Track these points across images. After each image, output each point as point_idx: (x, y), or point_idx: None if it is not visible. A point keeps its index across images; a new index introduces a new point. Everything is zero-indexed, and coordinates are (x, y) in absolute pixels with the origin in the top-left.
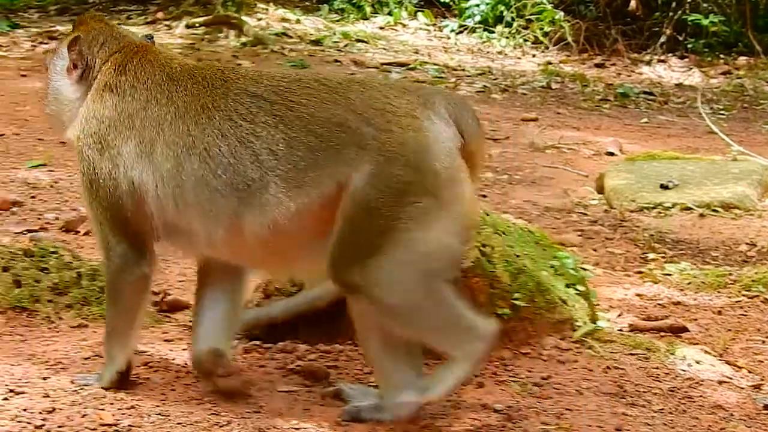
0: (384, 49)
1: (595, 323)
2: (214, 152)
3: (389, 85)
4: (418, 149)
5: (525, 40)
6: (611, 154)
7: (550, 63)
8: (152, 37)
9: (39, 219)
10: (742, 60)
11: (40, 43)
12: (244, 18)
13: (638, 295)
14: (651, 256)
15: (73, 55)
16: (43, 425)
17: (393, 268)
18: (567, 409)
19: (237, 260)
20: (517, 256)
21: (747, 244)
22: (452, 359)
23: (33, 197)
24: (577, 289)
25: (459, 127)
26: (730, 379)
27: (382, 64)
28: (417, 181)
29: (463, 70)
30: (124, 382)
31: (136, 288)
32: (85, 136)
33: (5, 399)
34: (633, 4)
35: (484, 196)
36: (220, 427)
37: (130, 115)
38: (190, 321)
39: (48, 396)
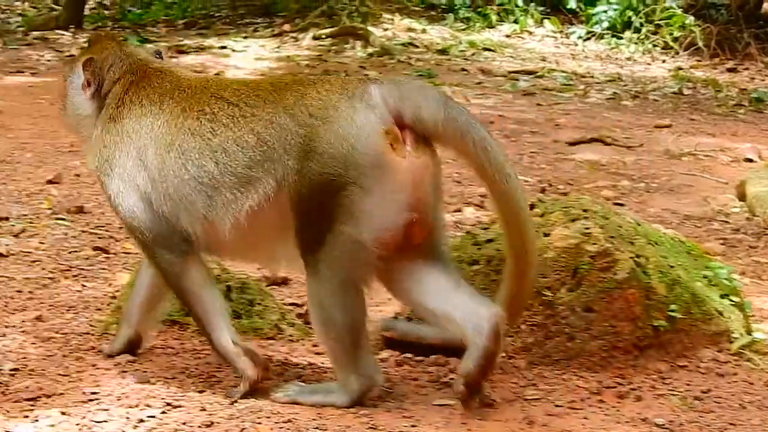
0: (511, 57)
1: (751, 335)
2: (185, 147)
3: (329, 80)
4: (335, 140)
5: (654, 46)
6: (750, 160)
7: (680, 68)
8: (161, 53)
9: None
10: None
11: (170, 57)
12: (370, 29)
13: None
14: None
15: (87, 75)
16: None
17: (327, 265)
18: (731, 424)
19: (223, 255)
20: (671, 266)
21: None
22: (337, 384)
23: None
24: (731, 300)
25: (400, 112)
26: None
27: (510, 72)
28: (337, 172)
29: (592, 76)
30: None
31: (196, 281)
32: (100, 165)
33: (163, 413)
34: (766, 6)
35: (622, 204)
36: None
37: (128, 132)
38: None
39: (205, 410)
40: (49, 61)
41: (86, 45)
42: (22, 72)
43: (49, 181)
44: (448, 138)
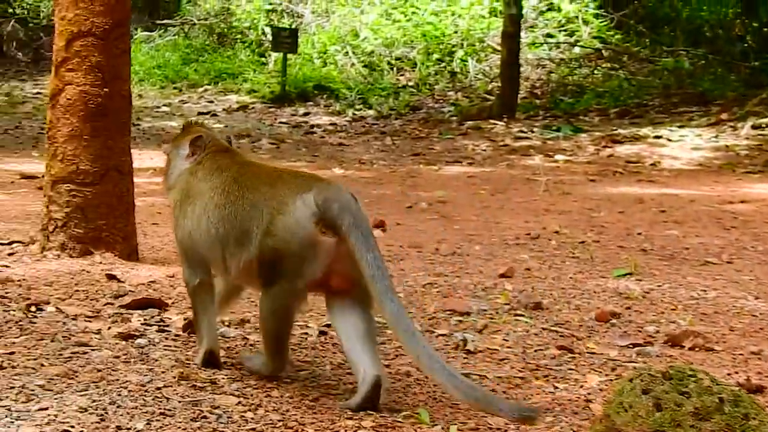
0: None
1: None
2: (210, 212)
3: (295, 178)
4: (283, 226)
5: None
6: None
7: None
8: (230, 139)
9: (639, 332)
10: None
11: (604, 146)
12: None
13: None
14: None
15: (194, 148)
16: None
17: (271, 298)
18: None
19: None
20: None
21: None
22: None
23: (628, 308)
24: None
25: (325, 213)
26: None
27: None
28: (281, 246)
29: None
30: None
31: (201, 295)
32: (174, 201)
33: None
34: None
35: None
36: None
37: (192, 189)
38: None
39: None
40: (484, 150)
41: (182, 129)
42: (460, 162)
43: (502, 275)
44: (333, 225)
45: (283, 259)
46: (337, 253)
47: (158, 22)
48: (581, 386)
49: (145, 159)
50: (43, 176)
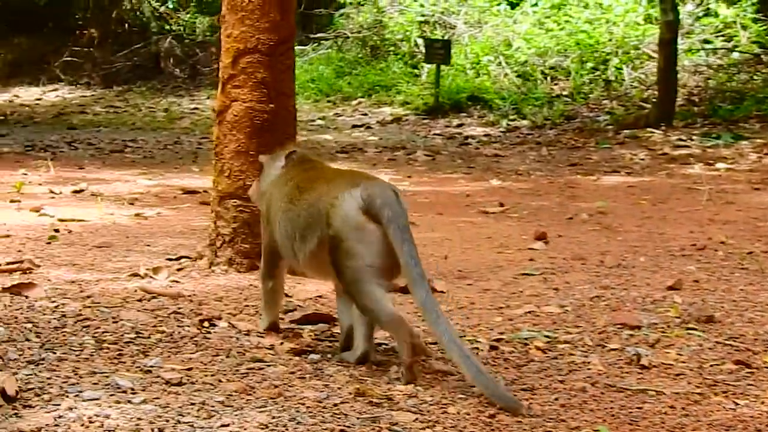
0: None
1: None
2: (282, 217)
3: (346, 177)
4: (335, 215)
5: None
6: None
7: None
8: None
9: None
10: None
11: (766, 153)
12: None
13: None
14: None
15: (288, 161)
16: None
17: (348, 282)
18: None
19: (301, 274)
20: None
21: None
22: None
23: None
24: None
25: (370, 205)
26: None
27: None
28: (337, 234)
29: None
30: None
31: (272, 280)
32: (261, 201)
33: None
34: None
35: None
36: None
37: (273, 197)
38: None
39: None
40: (642, 159)
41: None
42: (618, 171)
43: (670, 287)
44: (377, 216)
45: (342, 243)
46: (386, 243)
47: (312, 36)
48: (762, 402)
49: None
50: (204, 191)
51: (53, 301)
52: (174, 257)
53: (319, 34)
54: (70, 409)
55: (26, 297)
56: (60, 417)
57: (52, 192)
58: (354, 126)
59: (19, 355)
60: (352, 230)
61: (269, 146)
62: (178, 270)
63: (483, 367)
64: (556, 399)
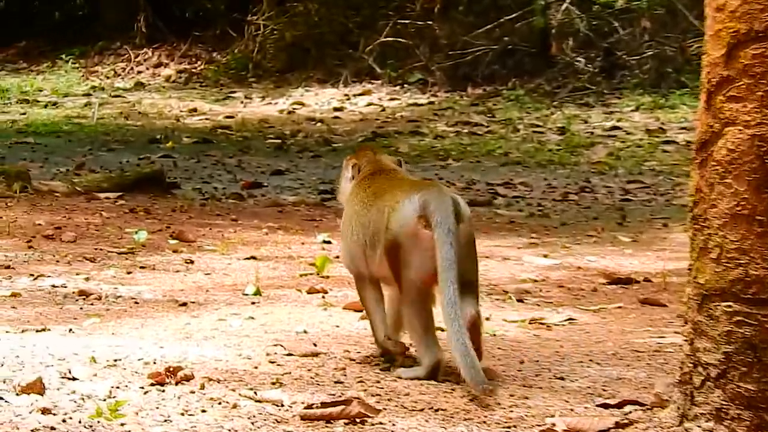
0: None
1: None
2: (355, 224)
3: (409, 185)
4: (396, 221)
5: None
6: None
7: None
8: (401, 162)
9: None
10: None
11: None
12: None
13: None
14: None
15: (353, 171)
16: None
17: (402, 291)
18: None
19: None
20: None
21: None
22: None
23: None
24: None
25: (424, 210)
26: None
27: None
28: (393, 237)
29: None
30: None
31: (368, 293)
32: (343, 214)
33: None
34: None
35: None
36: None
37: (348, 206)
38: None
39: None
40: None
41: (354, 151)
42: None
43: None
44: (430, 223)
45: (399, 249)
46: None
47: None
48: None
49: None
50: (646, 279)
51: None
52: (612, 403)
53: None
54: None
55: None
56: None
57: None
58: None
59: None
60: (405, 235)
61: None
62: (623, 427)
63: (482, 376)
64: None
